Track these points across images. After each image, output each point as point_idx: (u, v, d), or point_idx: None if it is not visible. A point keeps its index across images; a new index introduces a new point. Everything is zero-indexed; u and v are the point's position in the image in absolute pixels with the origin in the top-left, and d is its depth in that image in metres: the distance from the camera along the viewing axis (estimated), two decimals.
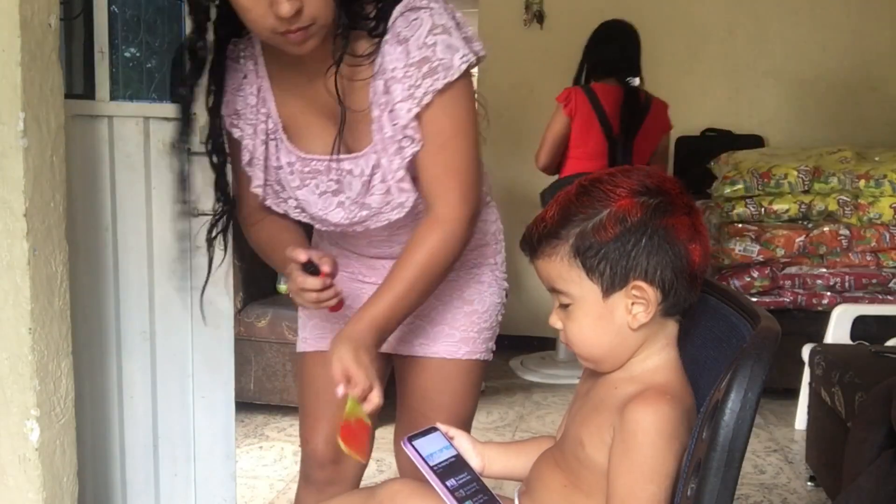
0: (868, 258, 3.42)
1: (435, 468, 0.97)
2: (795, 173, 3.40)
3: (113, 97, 1.69)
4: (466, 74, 1.17)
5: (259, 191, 1.28)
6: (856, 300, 3.35)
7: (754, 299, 3.35)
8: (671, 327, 0.95)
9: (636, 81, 3.14)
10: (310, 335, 1.42)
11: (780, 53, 4.15)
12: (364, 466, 1.39)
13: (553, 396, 3.53)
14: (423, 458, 0.98)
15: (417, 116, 1.15)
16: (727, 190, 3.45)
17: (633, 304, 0.91)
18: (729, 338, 0.90)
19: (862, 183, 3.39)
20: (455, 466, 1.00)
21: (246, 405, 3.07)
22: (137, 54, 1.94)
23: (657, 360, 0.94)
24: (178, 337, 1.74)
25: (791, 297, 3.44)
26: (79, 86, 1.76)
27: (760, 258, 3.42)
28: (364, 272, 1.38)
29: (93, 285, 1.66)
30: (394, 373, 1.45)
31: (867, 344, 2.68)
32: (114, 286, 1.68)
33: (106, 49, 1.67)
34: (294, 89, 1.24)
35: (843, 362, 2.27)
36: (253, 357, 3.07)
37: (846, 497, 1.59)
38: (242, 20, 1.10)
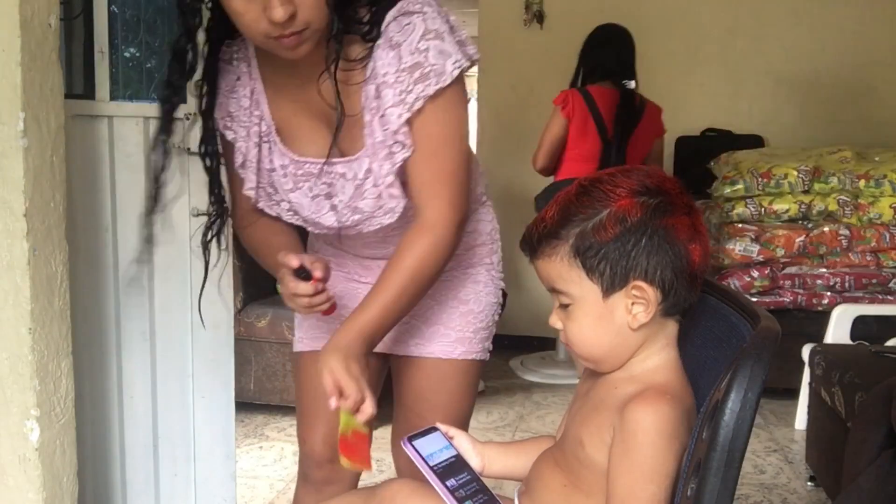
0: (868, 258, 3.42)
1: (435, 468, 0.97)
2: (795, 173, 3.40)
3: (113, 97, 1.69)
4: (459, 80, 1.16)
5: (251, 193, 1.27)
6: (856, 300, 3.35)
7: (754, 299, 3.35)
8: (671, 327, 0.95)
9: (632, 84, 3.17)
10: (305, 335, 1.41)
11: (780, 53, 4.15)
12: None
13: (553, 396, 3.53)
14: (423, 458, 0.98)
15: (408, 122, 1.15)
16: (727, 190, 3.45)
17: (633, 304, 0.91)
18: (729, 338, 0.90)
19: (862, 183, 3.39)
20: (455, 466, 1.00)
21: (246, 405, 3.07)
22: (137, 54, 1.94)
23: (657, 360, 0.94)
24: (178, 337, 1.74)
25: (791, 297, 3.44)
26: (79, 86, 1.76)
27: (760, 258, 3.42)
28: (359, 272, 1.38)
29: (93, 285, 1.66)
30: (390, 372, 1.45)
31: (867, 344, 2.68)
32: (114, 286, 1.68)
33: (106, 49, 1.67)
34: (287, 92, 1.23)
35: (843, 362, 2.27)
36: (253, 357, 3.07)
37: (846, 497, 1.59)
38: (235, 24, 1.10)
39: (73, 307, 1.39)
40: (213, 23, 1.20)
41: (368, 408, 1.08)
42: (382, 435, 1.78)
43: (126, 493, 1.74)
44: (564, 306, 0.95)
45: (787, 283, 3.45)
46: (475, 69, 1.22)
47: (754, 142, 4.00)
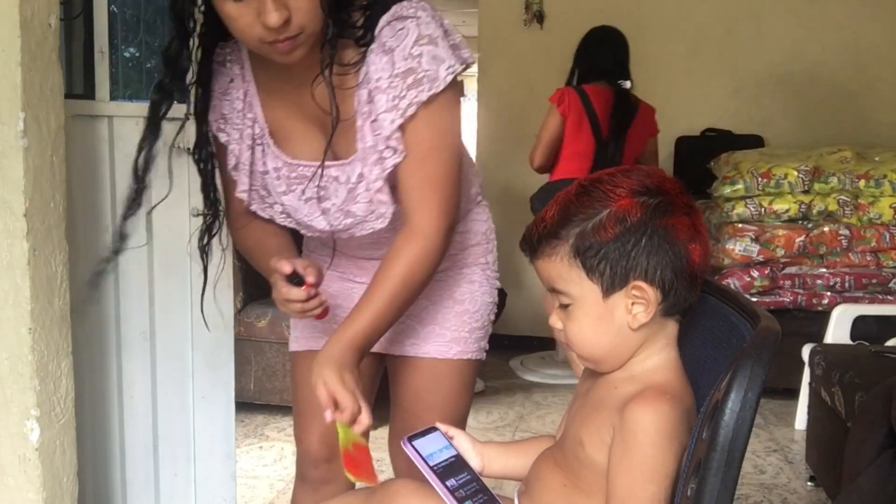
0: (868, 258, 3.42)
1: (435, 468, 0.97)
2: (795, 173, 3.40)
3: (113, 97, 1.69)
4: (452, 84, 1.16)
5: (244, 196, 1.27)
6: (856, 300, 3.35)
7: (754, 299, 3.35)
8: (671, 327, 0.95)
9: (627, 84, 3.21)
10: (301, 334, 1.41)
11: (780, 53, 4.15)
12: None
13: (553, 396, 3.53)
14: (423, 458, 0.98)
15: (401, 127, 1.15)
16: (727, 190, 3.45)
17: (633, 304, 0.91)
18: (729, 338, 0.90)
19: (862, 183, 3.39)
20: (455, 466, 1.00)
21: (246, 405, 3.07)
22: (137, 54, 1.95)
23: (657, 359, 0.94)
24: (178, 337, 1.74)
25: (791, 297, 3.44)
26: (79, 86, 1.76)
27: (760, 258, 3.42)
28: (354, 271, 1.38)
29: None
30: (387, 372, 1.45)
31: (867, 344, 2.68)
32: (114, 286, 1.68)
33: (106, 49, 1.67)
34: (281, 95, 1.23)
35: (843, 362, 2.27)
36: (253, 357, 3.07)
37: (846, 497, 1.59)
38: (229, 29, 1.09)
39: (73, 307, 1.39)
40: (207, 27, 1.19)
41: (365, 419, 1.08)
42: (380, 435, 1.78)
43: (126, 493, 1.74)
44: (564, 306, 0.95)
45: (787, 283, 3.45)
46: (475, 69, 1.22)
47: (754, 142, 4.00)
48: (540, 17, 4.32)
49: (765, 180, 3.41)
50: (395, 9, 1.13)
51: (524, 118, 4.17)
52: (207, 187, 1.28)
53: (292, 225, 1.30)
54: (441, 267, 1.25)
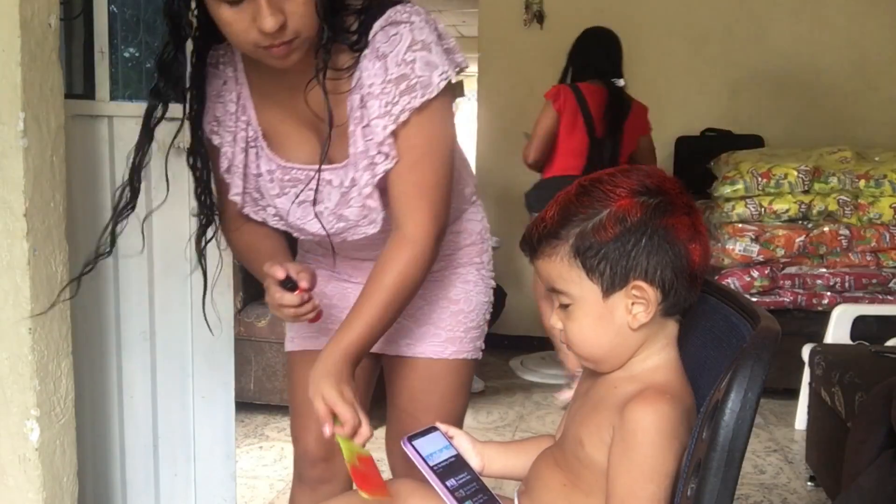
0: (868, 258, 3.42)
1: (435, 468, 0.97)
2: (795, 173, 3.41)
3: (113, 97, 1.69)
4: (445, 90, 1.15)
5: (237, 199, 1.27)
6: (856, 300, 3.35)
7: (754, 299, 3.35)
8: (671, 327, 0.95)
9: (621, 83, 3.22)
10: (297, 334, 1.41)
11: (780, 53, 4.15)
12: None
13: (553, 396, 3.53)
14: (423, 458, 0.98)
15: (393, 133, 1.14)
16: (727, 190, 3.46)
17: (633, 304, 0.91)
18: (729, 338, 0.90)
19: (862, 183, 3.39)
20: (455, 466, 1.00)
21: (246, 405, 3.07)
22: (137, 54, 1.94)
23: (657, 359, 0.94)
24: (178, 337, 1.74)
25: (791, 297, 3.44)
26: (79, 86, 1.76)
27: (760, 258, 3.42)
28: (349, 272, 1.38)
29: (93, 285, 1.66)
30: (383, 373, 1.45)
31: (867, 344, 2.68)
32: (114, 286, 1.68)
33: (106, 49, 1.67)
34: (274, 98, 1.23)
35: (843, 362, 2.27)
36: (253, 357, 3.07)
37: (846, 497, 1.59)
38: (224, 33, 1.08)
39: (73, 307, 1.39)
40: (200, 30, 1.18)
41: (365, 431, 1.08)
42: (377, 435, 1.78)
43: (126, 493, 1.74)
44: (564, 306, 0.95)
45: (787, 283, 3.45)
46: (474, 68, 1.22)
47: (754, 142, 4.00)
48: (540, 17, 4.32)
49: (765, 180, 3.41)
50: (388, 13, 1.13)
51: (524, 118, 4.16)
52: (201, 189, 1.28)
53: (285, 228, 1.30)
54: (436, 267, 1.25)
